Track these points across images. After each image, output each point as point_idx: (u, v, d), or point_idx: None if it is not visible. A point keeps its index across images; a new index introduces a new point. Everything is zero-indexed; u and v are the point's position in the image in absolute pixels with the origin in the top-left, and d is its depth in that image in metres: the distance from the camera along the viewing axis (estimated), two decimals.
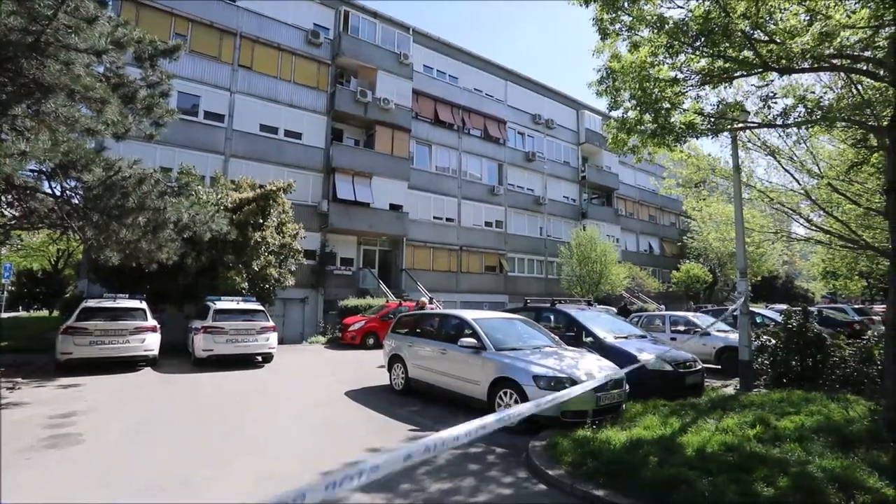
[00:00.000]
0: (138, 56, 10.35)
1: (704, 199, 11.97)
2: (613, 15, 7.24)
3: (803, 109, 5.92)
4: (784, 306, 18.29)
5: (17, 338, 14.98)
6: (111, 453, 5.14)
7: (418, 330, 8.54)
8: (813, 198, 10.68)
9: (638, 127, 7.60)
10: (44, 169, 8.11)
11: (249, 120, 19.68)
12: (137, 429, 6.07)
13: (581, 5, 7.30)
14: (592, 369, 6.24)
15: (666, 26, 6.32)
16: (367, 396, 8.20)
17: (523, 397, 5.92)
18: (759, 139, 9.46)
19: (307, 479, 4.41)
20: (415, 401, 7.83)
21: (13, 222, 9.61)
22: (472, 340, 6.88)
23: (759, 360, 8.68)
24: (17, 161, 4.87)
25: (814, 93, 7.20)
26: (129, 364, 10.35)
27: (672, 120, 7.23)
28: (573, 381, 5.89)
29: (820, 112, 5.82)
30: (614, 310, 21.16)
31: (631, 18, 7.07)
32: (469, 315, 7.59)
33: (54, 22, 4.83)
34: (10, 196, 9.74)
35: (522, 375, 6.02)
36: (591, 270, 24.77)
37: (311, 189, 21.04)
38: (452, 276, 25.70)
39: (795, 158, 10.10)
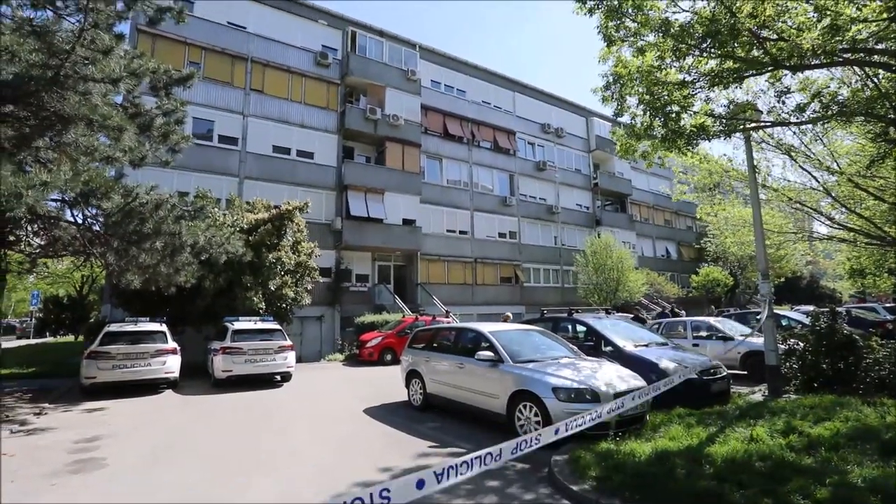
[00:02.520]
0: (154, 86, 10.69)
1: (719, 204, 11.75)
2: (618, 22, 7.25)
3: (818, 105, 5.79)
4: (810, 307, 17.76)
5: (44, 363, 15.31)
6: (133, 477, 5.16)
7: (435, 344, 8.48)
8: (834, 195, 10.40)
9: (647, 132, 7.54)
10: (66, 198, 8.35)
11: (262, 142, 20.09)
12: (159, 451, 6.10)
13: (586, 14, 7.33)
14: (613, 379, 6.10)
15: (671, 30, 6.28)
16: (385, 413, 8.14)
17: (543, 410, 5.80)
18: (773, 138, 9.29)
19: (321, 500, 4.39)
20: (434, 416, 7.74)
21: (38, 251, 9.90)
22: (489, 353, 6.79)
23: (788, 364, 8.40)
24: (40, 191, 5.03)
25: (828, 88, 7.06)
26: (151, 386, 10.47)
27: (682, 123, 7.16)
28: (594, 393, 5.77)
29: (836, 107, 5.69)
30: (630, 317, 20.80)
31: (636, 24, 7.06)
32: (485, 328, 7.52)
33: (72, 55, 5.00)
34: (35, 226, 10.07)
35: (541, 388, 5.91)
36: (607, 278, 24.48)
37: (324, 207, 21.28)
38: (468, 289, 25.61)
39: (812, 156, 9.88)
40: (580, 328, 8.79)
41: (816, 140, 9.21)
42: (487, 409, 6.70)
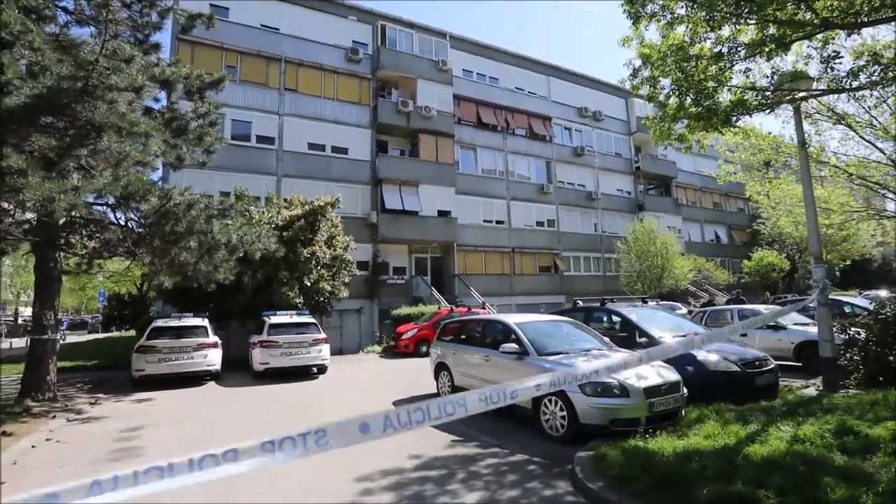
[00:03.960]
0: (188, 91, 11.11)
1: (770, 182, 10.85)
2: None
3: (878, 68, 5.15)
4: (882, 292, 16.20)
5: (106, 356, 16.48)
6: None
7: (463, 336, 8.39)
8: None
9: (680, 113, 7.03)
10: (109, 202, 8.84)
11: (298, 140, 20.55)
12: (195, 440, 6.39)
13: None
14: (644, 372, 5.76)
15: None
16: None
17: (569, 405, 5.58)
18: (828, 109, 8.44)
19: (338, 489, 4.44)
20: None
21: (91, 253, 10.56)
22: (513, 346, 6.62)
23: (848, 356, 7.68)
24: (72, 195, 5.31)
25: (892, 48, 6.30)
26: (196, 378, 11.00)
27: (719, 99, 6.62)
28: (622, 387, 5.49)
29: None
30: (679, 305, 19.83)
31: None
32: (511, 319, 7.33)
33: (97, 67, 5.22)
34: (88, 229, 10.75)
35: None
36: (651, 265, 23.45)
37: (360, 201, 21.57)
38: (506, 279, 25.30)
39: (878, 124, 8.90)
40: (615, 318, 8.42)
41: (880, 105, 8.27)
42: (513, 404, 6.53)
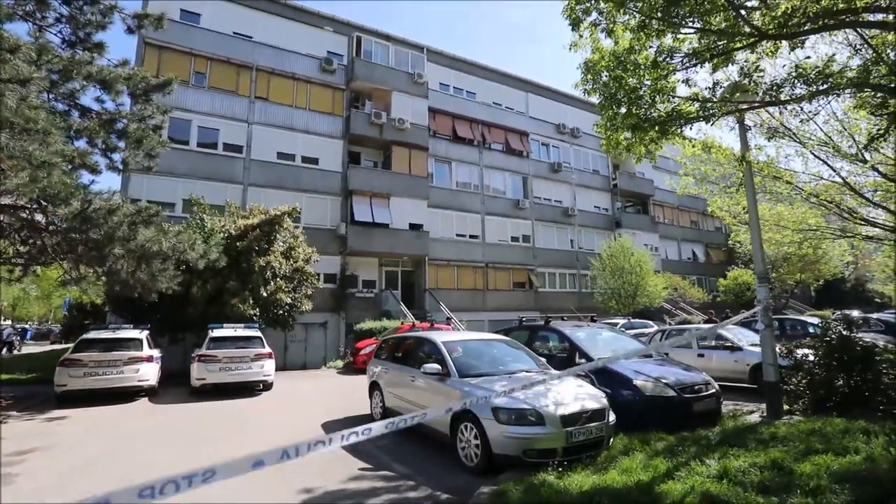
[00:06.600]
0: (132, 93, 10.66)
1: (732, 198, 10.66)
2: (586, 5, 6.54)
3: (800, 82, 4.91)
4: (854, 312, 16.06)
5: (50, 369, 15.62)
6: (29, 495, 4.85)
7: (397, 354, 7.92)
8: (863, 192, 9.25)
9: (624, 122, 6.76)
10: (25, 203, 8.32)
11: (267, 149, 20.12)
12: (85, 465, 5.84)
13: None
14: (566, 399, 5.35)
15: (630, 3, 5.55)
16: (341, 428, 7.61)
17: (482, 432, 5.14)
18: (781, 124, 8.24)
19: None
20: (389, 434, 7.16)
21: (17, 258, 9.97)
22: (436, 366, 6.18)
23: (796, 380, 7.35)
24: None
25: (834, 59, 6.10)
26: (128, 394, 10.34)
27: (657, 108, 6.36)
28: (538, 414, 5.06)
29: (822, 81, 4.80)
30: (651, 323, 19.56)
31: (605, 4, 6.34)
32: (439, 337, 6.90)
33: None
34: (21, 234, 10.16)
35: (481, 407, 5.23)
36: (625, 282, 23.22)
37: (329, 213, 21.12)
38: (479, 295, 24.88)
39: (832, 142, 8.72)
40: (555, 337, 8.02)
41: (830, 122, 8.11)
42: (434, 428, 6.08)
